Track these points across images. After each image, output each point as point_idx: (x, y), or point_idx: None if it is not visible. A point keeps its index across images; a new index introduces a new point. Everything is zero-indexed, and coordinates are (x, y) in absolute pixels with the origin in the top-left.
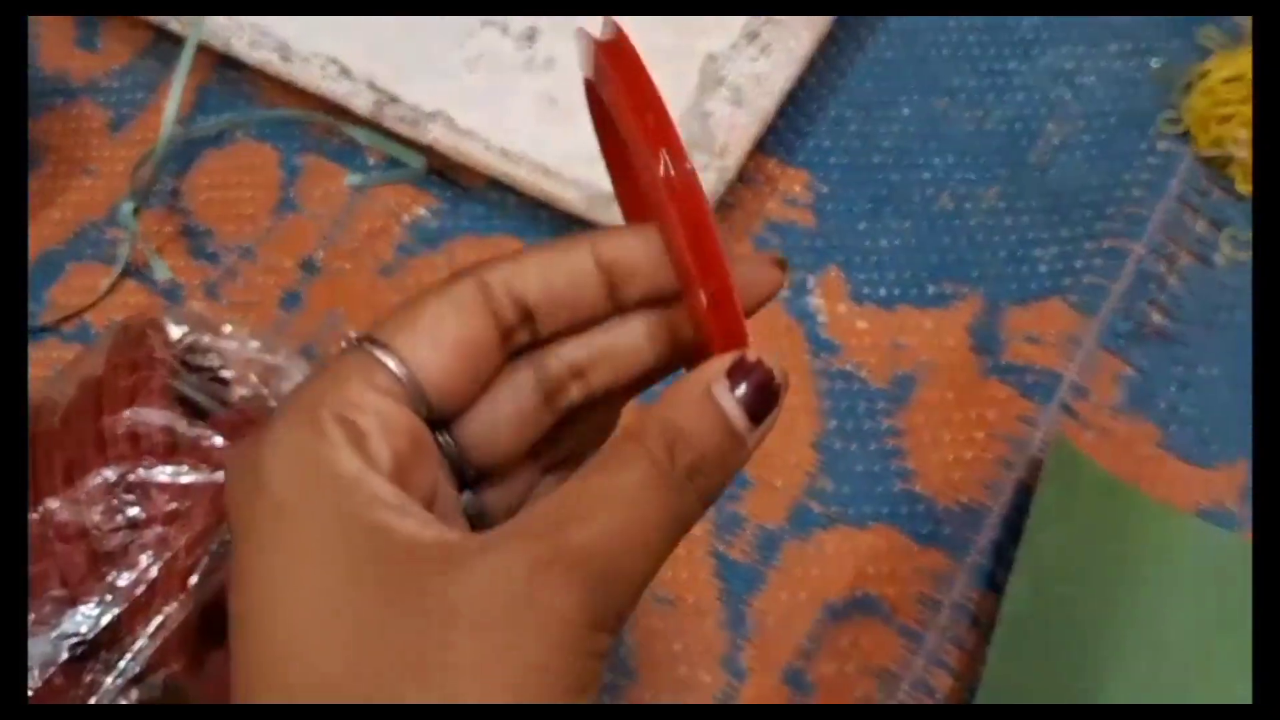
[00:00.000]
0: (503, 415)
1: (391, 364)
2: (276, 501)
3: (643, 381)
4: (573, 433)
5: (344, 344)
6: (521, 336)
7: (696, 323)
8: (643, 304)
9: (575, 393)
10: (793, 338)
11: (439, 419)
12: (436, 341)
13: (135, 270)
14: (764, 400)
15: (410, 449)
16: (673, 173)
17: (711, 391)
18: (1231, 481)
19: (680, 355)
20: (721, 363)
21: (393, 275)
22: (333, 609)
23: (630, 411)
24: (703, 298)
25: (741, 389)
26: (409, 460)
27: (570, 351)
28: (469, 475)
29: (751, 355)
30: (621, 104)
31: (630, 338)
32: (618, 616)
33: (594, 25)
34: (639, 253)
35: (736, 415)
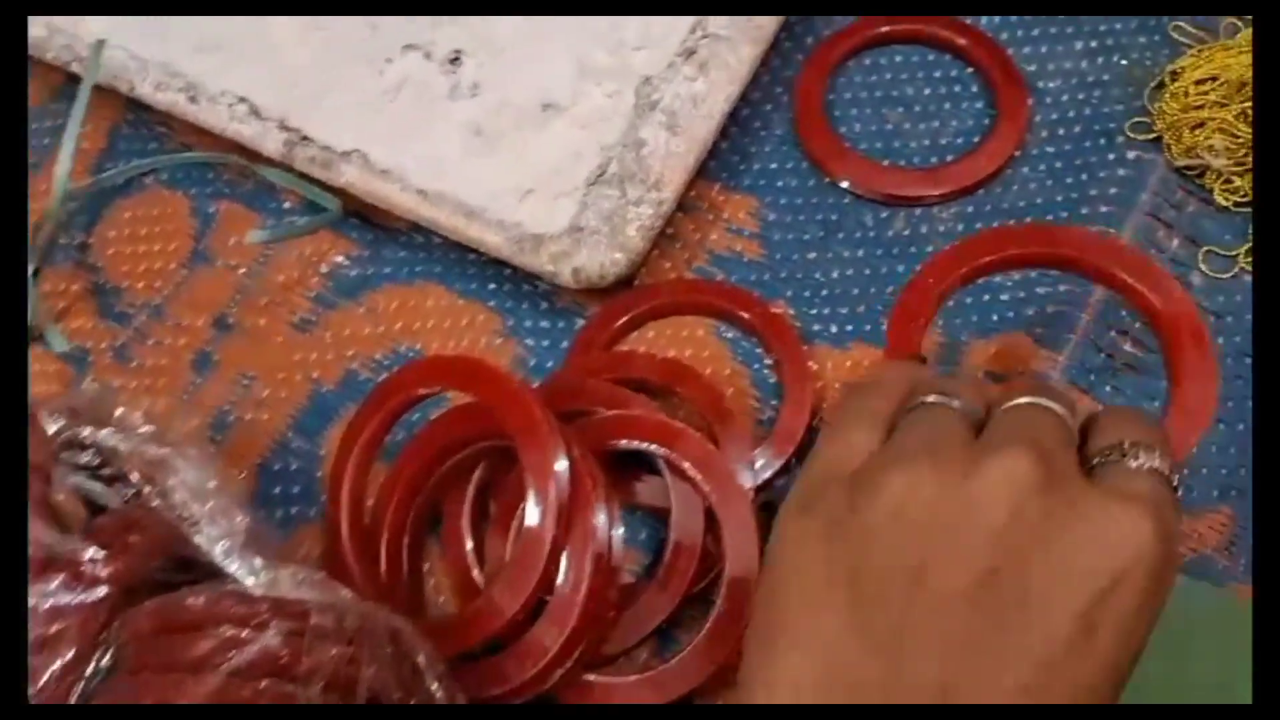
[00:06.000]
0: None
1: None
2: None
3: None
4: None
5: None
6: None
7: None
8: None
9: None
10: (737, 383)
11: None
12: None
13: (40, 337)
14: None
15: None
16: None
17: None
18: (1217, 529)
19: None
20: None
21: (309, 331)
22: None
23: None
24: None
25: None
26: None
27: None
28: None
29: None
30: None
31: None
32: None
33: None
34: None
35: None
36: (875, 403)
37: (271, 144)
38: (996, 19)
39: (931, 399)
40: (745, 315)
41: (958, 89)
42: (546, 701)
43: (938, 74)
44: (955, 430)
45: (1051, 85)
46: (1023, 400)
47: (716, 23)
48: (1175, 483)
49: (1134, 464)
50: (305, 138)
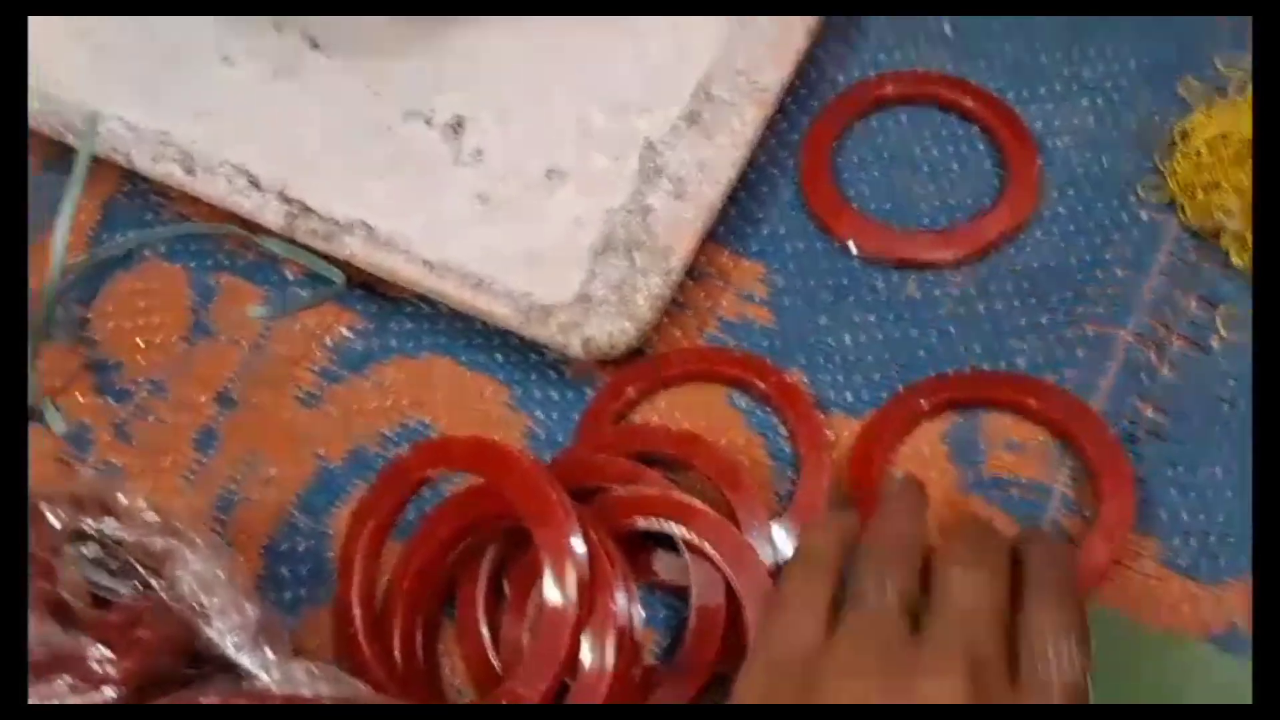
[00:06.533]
0: None
1: None
2: None
3: None
4: None
5: None
6: None
7: None
8: None
9: None
10: (752, 453)
11: None
12: None
13: (39, 416)
14: None
15: None
16: None
17: None
18: (1244, 600)
19: None
20: None
21: (316, 406)
22: None
23: None
24: None
25: None
26: None
27: None
28: None
29: None
30: None
31: None
32: None
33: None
34: None
35: None
36: (817, 587)
37: (272, 216)
38: (1002, 77)
39: (870, 596)
40: (759, 384)
41: (965, 149)
42: None
43: (945, 134)
44: (894, 636)
45: (1060, 144)
46: (957, 584)
47: (719, 86)
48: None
49: (1056, 677)
50: (306, 208)
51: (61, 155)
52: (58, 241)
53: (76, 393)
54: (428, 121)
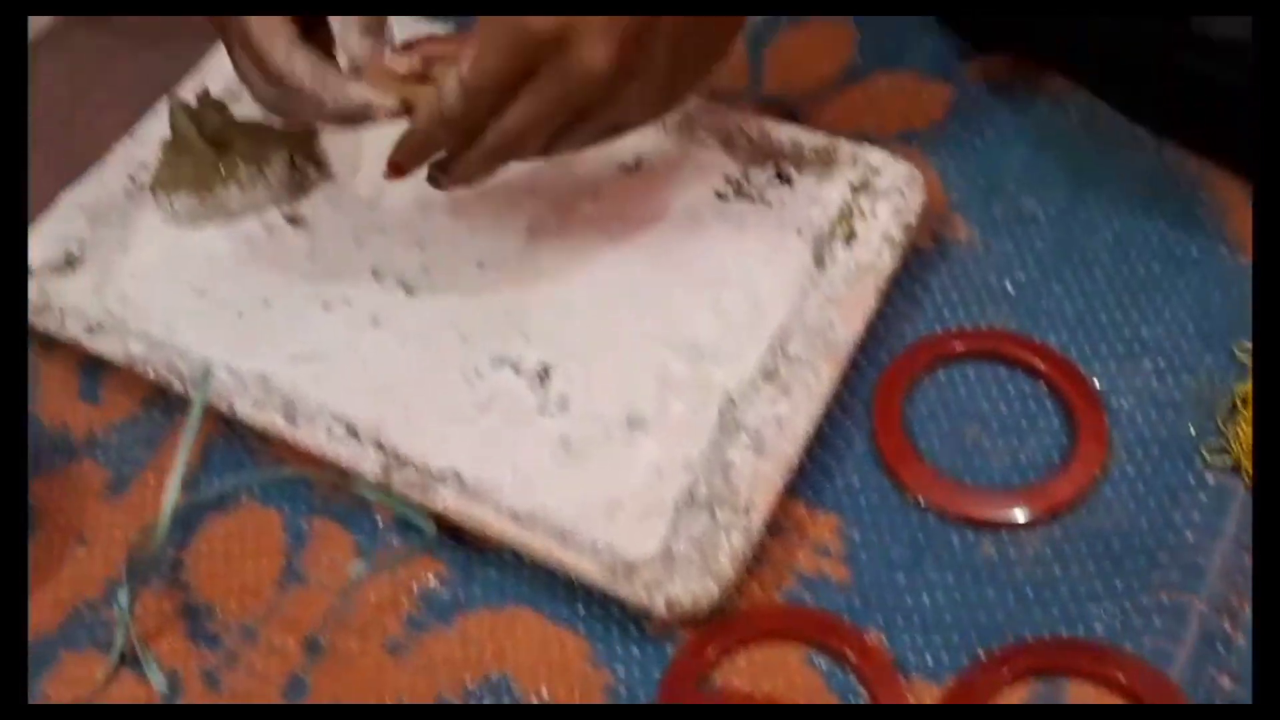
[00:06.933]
0: None
1: None
2: None
3: None
4: None
5: None
6: None
7: None
8: None
9: None
10: None
11: None
12: None
13: (132, 659)
14: None
15: None
16: None
17: None
18: None
19: None
20: None
21: (404, 654)
22: None
23: None
24: None
25: None
26: None
27: None
28: None
29: None
30: None
31: None
32: None
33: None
34: None
35: None
36: None
37: (369, 465)
38: (1064, 333)
39: None
40: (837, 646)
41: (1033, 406)
42: None
43: (1012, 390)
44: None
45: (1125, 403)
46: None
47: (795, 343)
48: None
49: None
50: (400, 457)
51: (156, 395)
52: (170, 491)
53: (168, 638)
54: (515, 368)
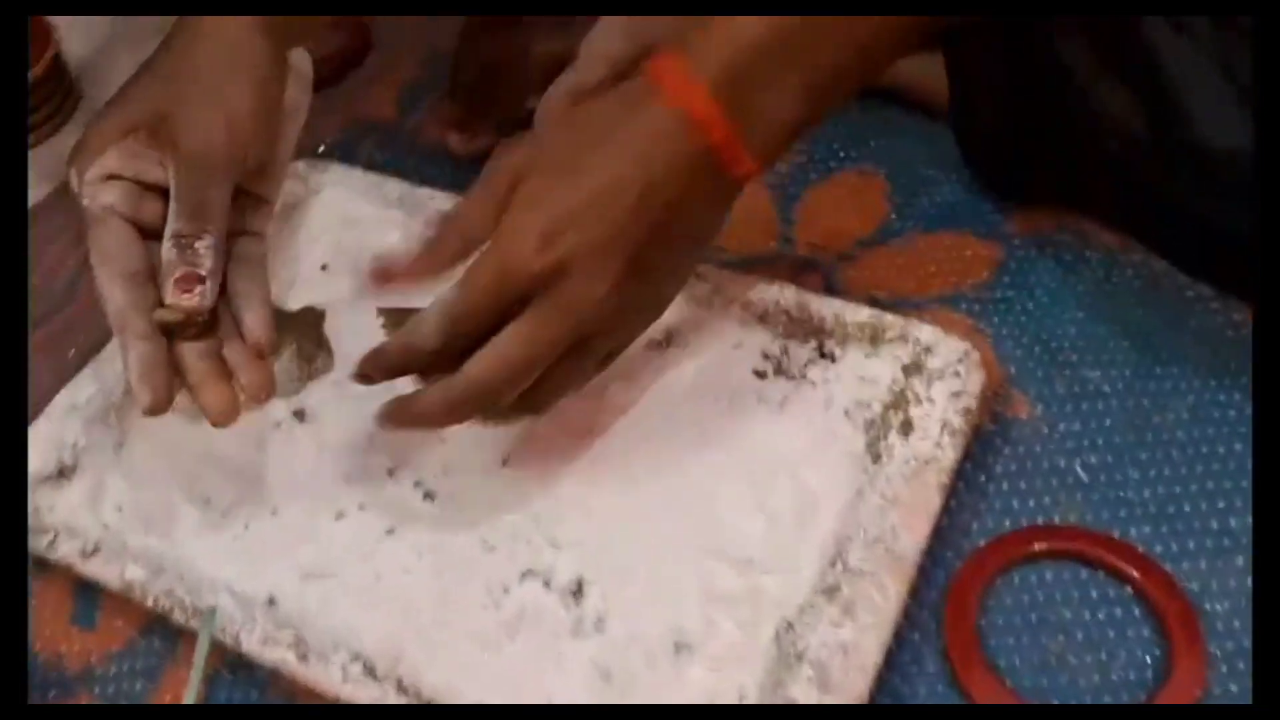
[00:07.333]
0: None
1: None
2: None
3: None
4: None
5: None
6: None
7: None
8: None
9: None
10: None
11: None
12: None
13: None
14: None
15: None
16: None
17: None
18: None
19: None
20: None
21: None
22: None
23: None
24: None
25: None
26: None
27: None
28: None
29: None
30: None
31: None
32: None
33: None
34: None
35: None
36: None
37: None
38: (1146, 527)
39: None
40: None
41: (1119, 612)
42: None
43: (1094, 594)
44: None
45: (1221, 608)
46: None
47: (855, 554)
48: None
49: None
50: (423, 698)
51: (152, 622)
52: None
53: None
54: (546, 583)
